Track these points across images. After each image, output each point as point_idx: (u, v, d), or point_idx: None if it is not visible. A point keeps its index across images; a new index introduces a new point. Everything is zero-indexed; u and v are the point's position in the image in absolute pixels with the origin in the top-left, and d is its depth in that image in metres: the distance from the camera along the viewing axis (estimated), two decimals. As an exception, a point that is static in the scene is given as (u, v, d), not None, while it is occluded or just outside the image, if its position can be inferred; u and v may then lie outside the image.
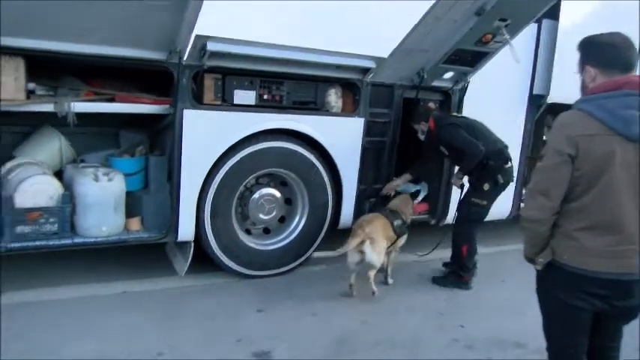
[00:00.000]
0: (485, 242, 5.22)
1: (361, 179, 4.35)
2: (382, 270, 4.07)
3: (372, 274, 3.78)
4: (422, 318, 3.73)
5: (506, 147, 4.22)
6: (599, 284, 2.00)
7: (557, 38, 4.80)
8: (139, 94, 3.58)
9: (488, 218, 4.90)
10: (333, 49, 3.80)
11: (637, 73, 2.01)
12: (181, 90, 3.45)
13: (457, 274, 4.33)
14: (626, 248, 1.97)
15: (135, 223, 3.73)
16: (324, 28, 3.85)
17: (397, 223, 3.99)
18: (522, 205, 2.13)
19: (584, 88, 2.09)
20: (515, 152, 5.07)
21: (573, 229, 2.01)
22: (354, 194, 4.35)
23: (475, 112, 4.57)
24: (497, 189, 4.21)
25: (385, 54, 3.92)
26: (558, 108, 5.25)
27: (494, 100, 4.83)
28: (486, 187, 4.12)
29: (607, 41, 2.05)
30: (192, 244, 3.80)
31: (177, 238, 3.75)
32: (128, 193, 3.68)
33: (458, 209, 4.38)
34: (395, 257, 4.27)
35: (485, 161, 4.05)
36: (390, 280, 4.19)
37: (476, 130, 4.12)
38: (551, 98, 5.00)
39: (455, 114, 4.48)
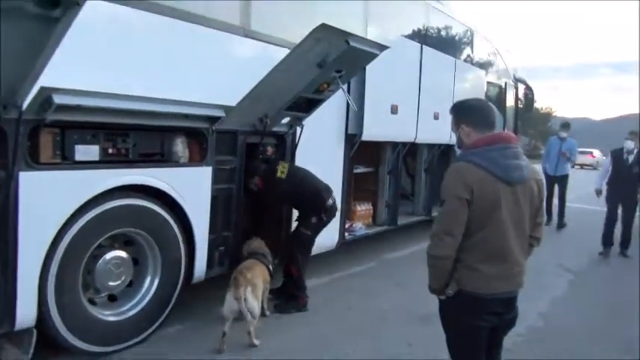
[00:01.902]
0: (318, 273, 5.58)
1: (212, 229, 4.23)
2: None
3: (252, 327, 3.70)
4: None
5: (325, 188, 4.71)
6: (498, 304, 2.43)
7: (365, 84, 5.48)
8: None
9: (319, 250, 5.30)
10: (182, 99, 3.70)
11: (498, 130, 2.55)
12: (18, 150, 2.91)
13: (294, 296, 4.67)
14: (515, 270, 2.43)
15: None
16: (169, 77, 3.76)
17: (272, 266, 4.04)
18: (429, 246, 2.40)
19: (460, 142, 2.54)
20: (337, 186, 5.58)
21: (474, 261, 2.38)
22: (206, 245, 4.20)
23: (304, 151, 4.95)
24: (322, 224, 4.71)
25: (232, 102, 3.95)
26: (369, 144, 6.01)
27: (319, 140, 5.24)
28: (313, 220, 4.62)
29: (476, 105, 2.57)
30: (35, 331, 3.19)
31: (14, 326, 3.10)
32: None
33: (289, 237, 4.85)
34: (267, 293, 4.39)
35: (313, 200, 4.60)
36: (268, 312, 4.35)
37: (299, 178, 4.64)
38: (364, 137, 5.65)
39: (279, 167, 4.65)
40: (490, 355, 2.57)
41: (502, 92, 10.39)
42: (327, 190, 4.69)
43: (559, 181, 9.80)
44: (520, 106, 11.82)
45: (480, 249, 2.37)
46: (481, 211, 2.32)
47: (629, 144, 7.60)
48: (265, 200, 4.76)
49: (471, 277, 2.38)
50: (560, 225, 9.77)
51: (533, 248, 2.57)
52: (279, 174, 4.58)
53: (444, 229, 2.35)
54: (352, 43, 3.68)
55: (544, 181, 2.57)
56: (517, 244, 2.41)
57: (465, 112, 2.53)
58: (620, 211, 7.78)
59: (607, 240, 7.76)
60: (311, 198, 4.60)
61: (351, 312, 4.76)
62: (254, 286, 3.75)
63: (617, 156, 7.77)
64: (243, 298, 3.64)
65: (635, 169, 7.53)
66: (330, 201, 4.66)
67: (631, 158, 7.60)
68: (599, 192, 8.15)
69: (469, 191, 2.30)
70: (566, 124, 10.11)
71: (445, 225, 2.36)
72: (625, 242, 7.85)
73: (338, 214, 5.43)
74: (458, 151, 2.59)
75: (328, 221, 4.73)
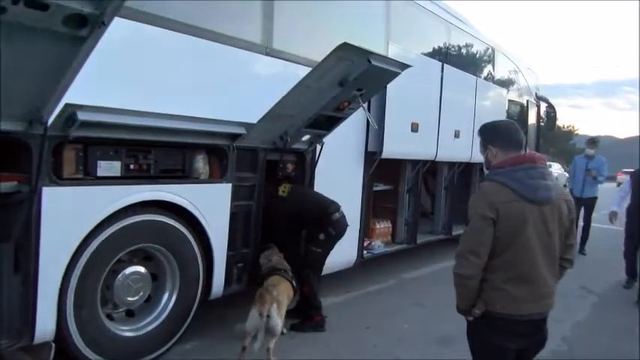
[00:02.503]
0: (336, 291, 5.54)
1: (230, 245, 4.23)
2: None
3: (272, 344, 3.66)
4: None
5: (331, 203, 4.64)
6: (525, 326, 2.37)
7: (386, 102, 5.48)
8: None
9: (338, 267, 5.26)
10: (204, 116, 3.73)
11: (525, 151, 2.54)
12: (42, 165, 2.96)
13: (309, 316, 4.61)
14: (543, 292, 2.38)
15: (-28, 332, 2.98)
16: (191, 94, 3.81)
17: (294, 281, 4.05)
18: (454, 266, 2.38)
19: (487, 162, 2.54)
20: (356, 203, 5.58)
21: (501, 281, 2.34)
22: (225, 262, 4.20)
23: (324, 169, 4.95)
24: (331, 240, 4.64)
25: (253, 119, 3.97)
26: (388, 162, 5.98)
27: (338, 157, 5.25)
28: (321, 237, 4.57)
29: (503, 127, 2.58)
30: (54, 345, 3.21)
31: (33, 339, 3.11)
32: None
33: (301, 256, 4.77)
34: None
35: (318, 216, 4.57)
36: (284, 330, 4.23)
37: (301, 197, 4.69)
38: (384, 154, 5.63)
39: (281, 187, 4.71)
40: None
41: (524, 110, 10.27)
42: (333, 205, 4.64)
43: (585, 203, 8.75)
44: (542, 124, 11.68)
45: (505, 269, 2.33)
46: (507, 230, 2.30)
47: None
48: (270, 219, 4.71)
49: (498, 297, 2.34)
50: (581, 252, 8.79)
51: (565, 270, 2.53)
52: (280, 193, 4.63)
53: (469, 249, 2.33)
54: (374, 62, 3.68)
55: (573, 202, 2.54)
56: (545, 266, 2.37)
57: (491, 134, 2.54)
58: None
59: (630, 271, 7.14)
60: (315, 215, 4.59)
61: (368, 331, 4.69)
62: (279, 304, 3.73)
63: (637, 176, 7.06)
64: (268, 314, 3.62)
65: None
66: (337, 214, 4.61)
67: None
68: (613, 216, 7.26)
69: (494, 210, 2.29)
70: (593, 140, 8.99)
71: (470, 244, 2.34)
72: None
73: (355, 231, 5.42)
74: (486, 172, 2.58)
75: (338, 236, 4.66)
